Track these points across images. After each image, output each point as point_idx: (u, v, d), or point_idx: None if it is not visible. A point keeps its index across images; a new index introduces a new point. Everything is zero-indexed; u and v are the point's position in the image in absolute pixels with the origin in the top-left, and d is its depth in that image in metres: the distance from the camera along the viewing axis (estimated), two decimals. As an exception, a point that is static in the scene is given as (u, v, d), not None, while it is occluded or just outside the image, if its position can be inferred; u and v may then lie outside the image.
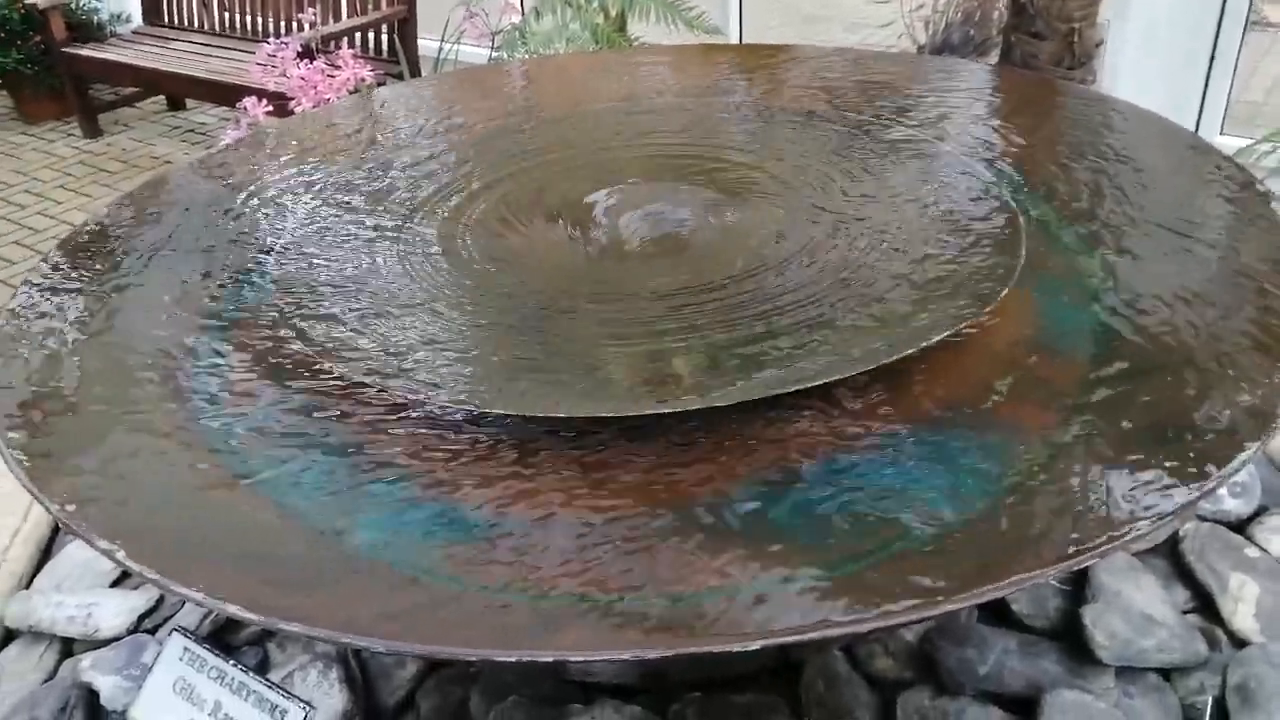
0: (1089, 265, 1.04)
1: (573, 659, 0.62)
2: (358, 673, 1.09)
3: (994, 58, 2.67)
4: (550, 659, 0.62)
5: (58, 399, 0.92)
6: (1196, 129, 2.77)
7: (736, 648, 0.62)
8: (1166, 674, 1.04)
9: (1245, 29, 2.72)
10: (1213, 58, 2.74)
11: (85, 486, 0.81)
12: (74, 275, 1.13)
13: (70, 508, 0.78)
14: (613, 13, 2.55)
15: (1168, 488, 0.72)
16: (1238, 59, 2.74)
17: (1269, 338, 0.87)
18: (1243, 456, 0.74)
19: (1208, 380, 0.84)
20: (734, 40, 3.45)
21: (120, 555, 0.73)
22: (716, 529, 0.74)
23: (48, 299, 1.08)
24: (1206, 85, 2.77)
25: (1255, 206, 1.09)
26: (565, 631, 0.66)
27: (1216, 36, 2.72)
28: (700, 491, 0.78)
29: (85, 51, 4.14)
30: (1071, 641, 1.05)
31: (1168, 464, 0.74)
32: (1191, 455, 0.75)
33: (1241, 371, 0.84)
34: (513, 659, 0.61)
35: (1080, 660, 1.03)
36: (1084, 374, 0.88)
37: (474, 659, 0.63)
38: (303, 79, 2.20)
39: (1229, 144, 2.36)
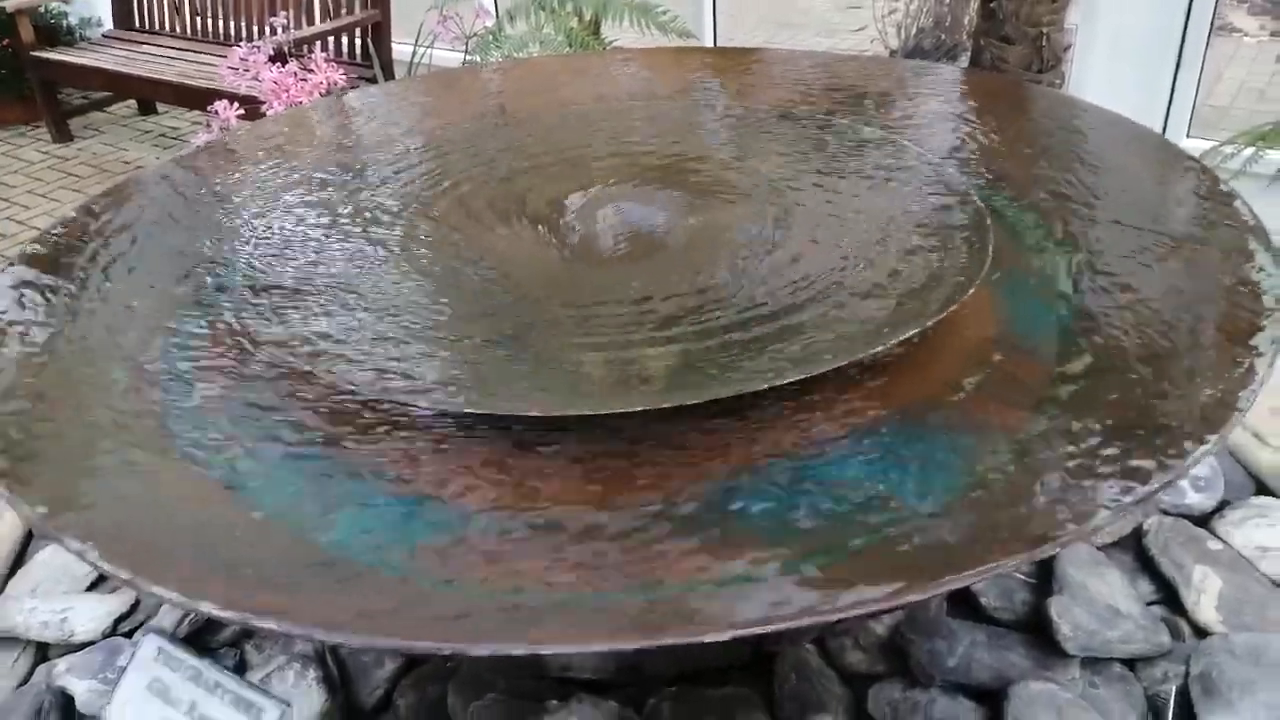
0: (1055, 263, 1.07)
1: (545, 652, 0.62)
2: (335, 672, 1.09)
3: (964, 61, 2.71)
4: (522, 652, 0.62)
5: (28, 402, 0.92)
6: (1164, 131, 2.82)
7: (707, 639, 0.63)
8: (1131, 664, 1.06)
9: (1210, 34, 2.77)
10: (1179, 62, 2.79)
11: (58, 489, 0.81)
12: (42, 279, 1.12)
13: (42, 510, 0.78)
14: (587, 17, 2.56)
15: (1129, 480, 0.74)
16: (1203, 63, 2.79)
17: (1230, 333, 0.89)
18: (1203, 449, 0.76)
19: (1169, 376, 0.86)
20: (708, 45, 3.47)
21: (92, 556, 0.72)
22: (687, 524, 0.75)
23: (15, 303, 1.07)
24: (1173, 89, 2.82)
25: (1219, 206, 1.12)
26: (538, 625, 0.67)
27: (1182, 41, 2.77)
28: (671, 487, 0.79)
29: (54, 55, 4.10)
30: (1038, 633, 1.07)
31: (1129, 457, 0.76)
32: (1153, 448, 0.77)
33: (1202, 367, 0.86)
34: (485, 652, 0.62)
35: (1047, 651, 1.05)
36: (1049, 369, 0.90)
37: (448, 652, 0.64)
38: (275, 82, 2.20)
39: (1195, 146, 2.41)
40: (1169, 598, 1.15)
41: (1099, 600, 1.08)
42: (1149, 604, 1.13)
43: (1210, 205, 1.12)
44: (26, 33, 4.08)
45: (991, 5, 2.20)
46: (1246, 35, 4.16)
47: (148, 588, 0.69)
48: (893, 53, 3.45)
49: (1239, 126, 2.32)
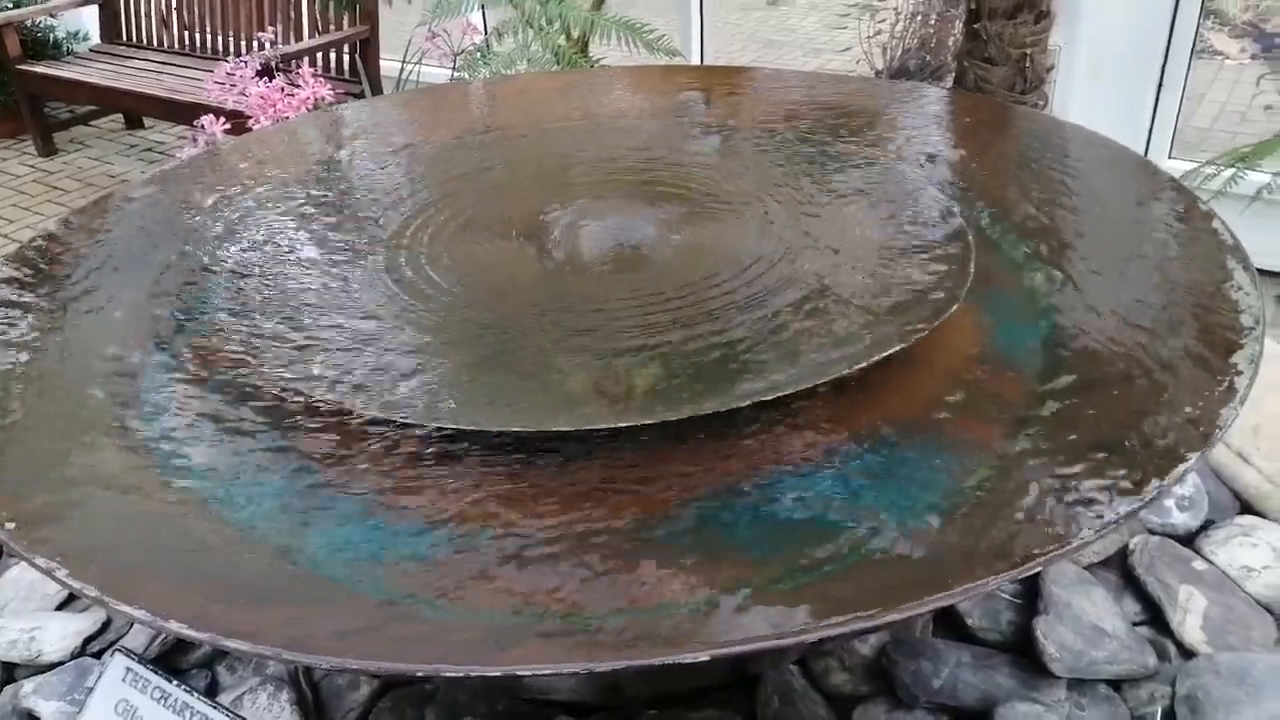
0: (1037, 282, 1.07)
1: (522, 673, 0.61)
2: (309, 694, 1.07)
3: (948, 83, 2.73)
4: (499, 673, 0.61)
5: (-1, 416, 0.90)
6: (1146, 152, 2.84)
7: (686, 659, 0.62)
8: (1117, 685, 1.05)
9: (1192, 57, 2.80)
10: (1161, 84, 2.82)
11: (26, 505, 0.79)
12: (19, 291, 1.11)
13: (10, 526, 0.76)
14: (575, 35, 2.56)
15: (1110, 498, 0.73)
16: (1185, 86, 2.82)
17: (1210, 352, 0.89)
18: (1183, 467, 0.76)
19: (1150, 394, 0.86)
20: (695, 63, 3.49)
21: (60, 574, 0.71)
22: (665, 542, 0.74)
23: (-8, 315, 1.06)
24: (1155, 110, 2.85)
25: (1198, 226, 1.12)
26: (515, 646, 0.65)
27: (1164, 64, 2.80)
28: (651, 505, 0.78)
29: (41, 69, 4.09)
30: (1024, 654, 1.06)
31: (1111, 475, 0.76)
32: (1134, 466, 0.76)
33: (1183, 385, 0.86)
34: (461, 674, 0.61)
35: (1032, 672, 1.04)
36: (1031, 388, 0.90)
37: (422, 674, 0.62)
38: (262, 97, 2.20)
39: (1177, 167, 2.43)
40: (1154, 617, 1.14)
41: (1084, 620, 1.07)
42: (1135, 624, 1.13)
43: (1190, 226, 1.13)
44: (13, 46, 4.07)
45: (975, 27, 2.22)
46: (1228, 58, 4.21)
47: (115, 606, 0.68)
48: (878, 73, 3.48)
49: (1220, 148, 2.34)
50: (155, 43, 4.26)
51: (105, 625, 1.18)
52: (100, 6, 4.36)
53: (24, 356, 0.99)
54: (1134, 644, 1.06)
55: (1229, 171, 2.12)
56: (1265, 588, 1.15)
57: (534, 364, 0.98)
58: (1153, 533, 1.23)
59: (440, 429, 0.87)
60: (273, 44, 2.79)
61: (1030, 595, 1.12)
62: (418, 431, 0.88)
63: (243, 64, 2.29)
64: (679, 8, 3.53)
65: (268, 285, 1.11)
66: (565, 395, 0.93)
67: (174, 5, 4.18)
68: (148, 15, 4.27)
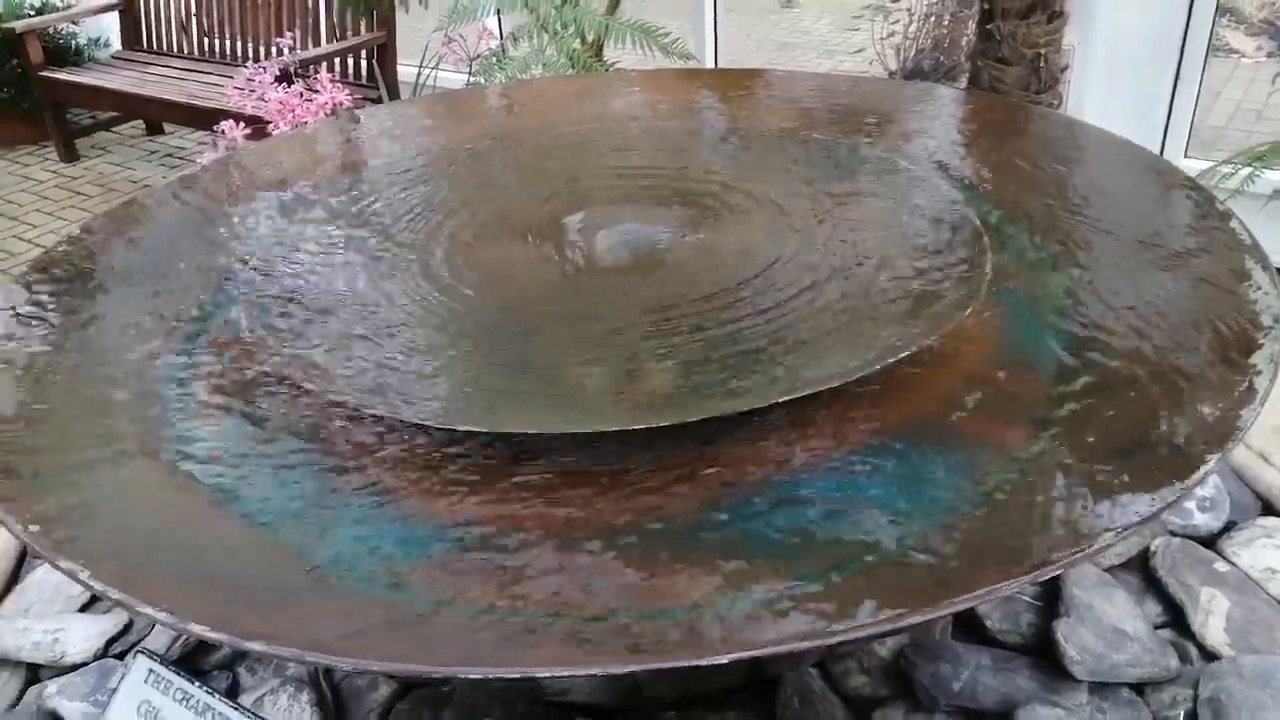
0: (1054, 282, 1.06)
1: (540, 675, 0.62)
2: (329, 695, 1.07)
3: (962, 83, 2.72)
4: (517, 676, 0.61)
5: (23, 419, 0.91)
6: (1161, 151, 2.82)
7: (704, 662, 0.62)
8: (1139, 688, 1.04)
9: (1207, 55, 2.78)
10: (1176, 83, 2.80)
11: (50, 507, 0.80)
12: (44, 296, 1.12)
13: (35, 529, 0.77)
14: (589, 39, 2.57)
15: (1131, 500, 0.73)
16: (1200, 84, 2.80)
17: (1229, 352, 0.89)
18: (1204, 468, 0.75)
19: (1170, 395, 0.85)
20: (709, 66, 3.49)
21: (84, 576, 0.72)
22: (684, 543, 0.74)
23: (16, 320, 1.07)
24: (1171, 109, 2.83)
25: (1216, 226, 1.11)
26: (533, 649, 0.66)
27: (1180, 62, 2.78)
28: (668, 507, 0.79)
29: (63, 75, 4.14)
30: (1045, 656, 1.06)
31: (1131, 477, 0.75)
32: (1154, 468, 0.76)
33: (1203, 386, 0.85)
34: (479, 676, 0.61)
35: (1053, 676, 1.03)
36: (1049, 389, 0.89)
37: (441, 676, 0.63)
38: (280, 103, 2.21)
39: (1193, 166, 2.41)
40: (1176, 619, 1.13)
41: (1106, 622, 1.07)
42: (1157, 626, 1.12)
43: (1207, 225, 1.12)
44: (35, 53, 4.11)
45: (989, 27, 2.21)
46: (1244, 56, 4.17)
47: (138, 608, 0.69)
48: (891, 74, 3.47)
49: (1236, 146, 2.32)
50: (175, 49, 4.30)
51: (128, 627, 1.19)
52: (121, 13, 4.40)
53: (48, 360, 1.00)
54: (1156, 646, 1.06)
55: (1246, 170, 2.10)
56: (1288, 590, 1.14)
57: (549, 366, 0.98)
58: (1174, 534, 1.22)
59: (456, 430, 0.88)
60: (291, 50, 2.81)
61: (1050, 597, 1.11)
62: (435, 432, 0.89)
63: (262, 70, 2.31)
64: (693, 11, 3.53)
65: (281, 288, 1.11)
66: (581, 397, 0.93)
67: (194, 12, 4.22)
68: (168, 22, 4.32)
